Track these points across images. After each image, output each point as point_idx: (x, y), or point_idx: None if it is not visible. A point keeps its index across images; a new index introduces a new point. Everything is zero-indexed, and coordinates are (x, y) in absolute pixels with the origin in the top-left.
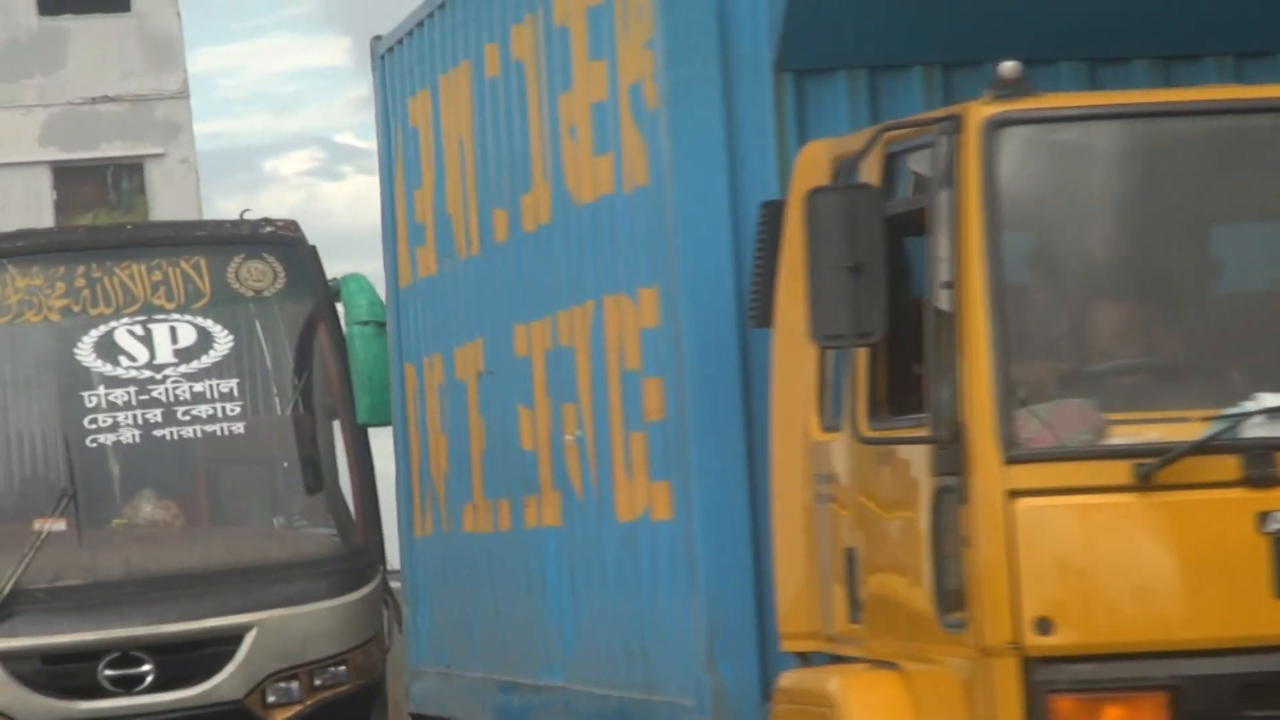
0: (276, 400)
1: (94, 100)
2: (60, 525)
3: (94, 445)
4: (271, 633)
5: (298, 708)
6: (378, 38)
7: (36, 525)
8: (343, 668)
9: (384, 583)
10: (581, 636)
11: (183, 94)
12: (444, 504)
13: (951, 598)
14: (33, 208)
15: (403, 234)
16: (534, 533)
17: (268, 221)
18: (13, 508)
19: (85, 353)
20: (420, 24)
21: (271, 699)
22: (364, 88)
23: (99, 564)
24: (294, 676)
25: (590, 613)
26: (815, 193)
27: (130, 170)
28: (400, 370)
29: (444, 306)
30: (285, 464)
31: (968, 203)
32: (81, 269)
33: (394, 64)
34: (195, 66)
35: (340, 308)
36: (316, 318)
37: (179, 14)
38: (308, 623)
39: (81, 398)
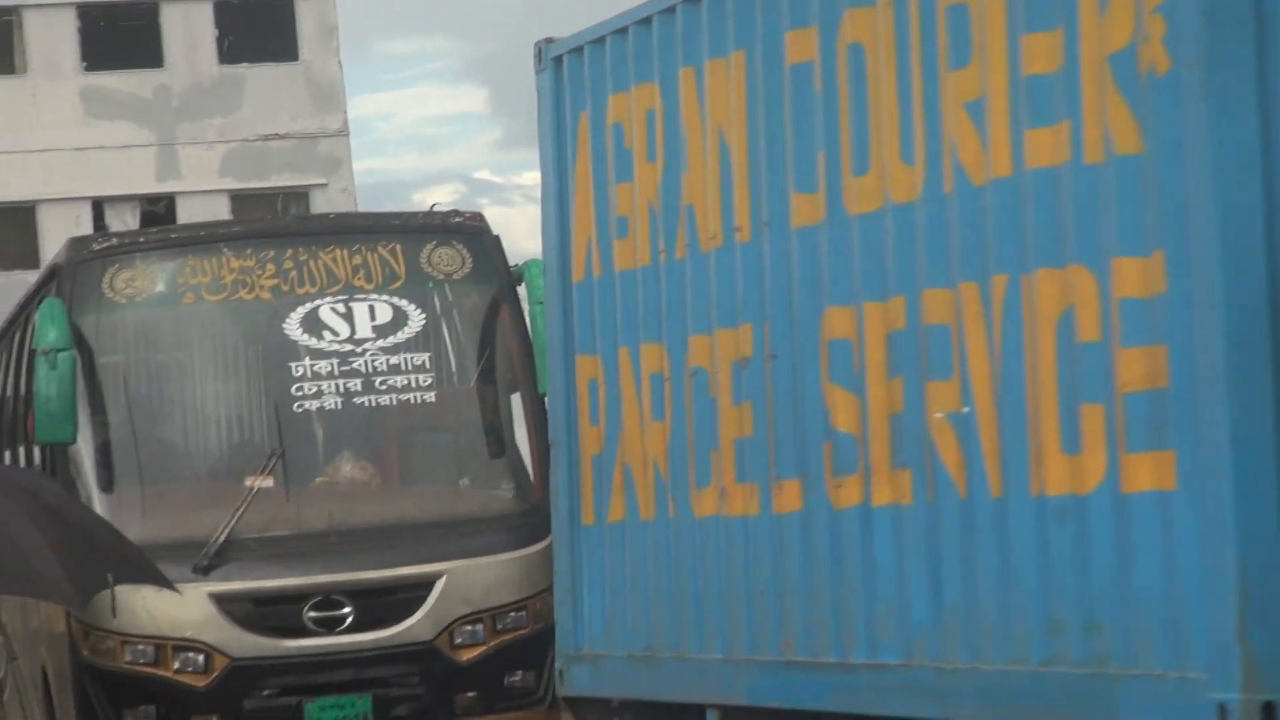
0: (463, 373)
1: (266, 137)
2: (269, 482)
3: (300, 411)
4: (459, 580)
5: (482, 649)
6: (549, 40)
7: (248, 482)
8: (523, 613)
9: None
10: (948, 613)
11: (343, 133)
12: (649, 491)
13: None
14: None
15: (581, 229)
16: (853, 512)
17: (456, 213)
18: (227, 466)
19: (292, 327)
20: (644, 21)
21: (458, 640)
22: (499, 131)
23: (304, 517)
24: (479, 620)
25: (966, 589)
26: None
27: (297, 198)
28: (568, 362)
29: (669, 296)
30: (470, 430)
31: None
32: (290, 252)
33: (582, 64)
34: (354, 111)
35: (522, 290)
36: (499, 299)
37: (340, 64)
38: (491, 572)
39: (289, 368)
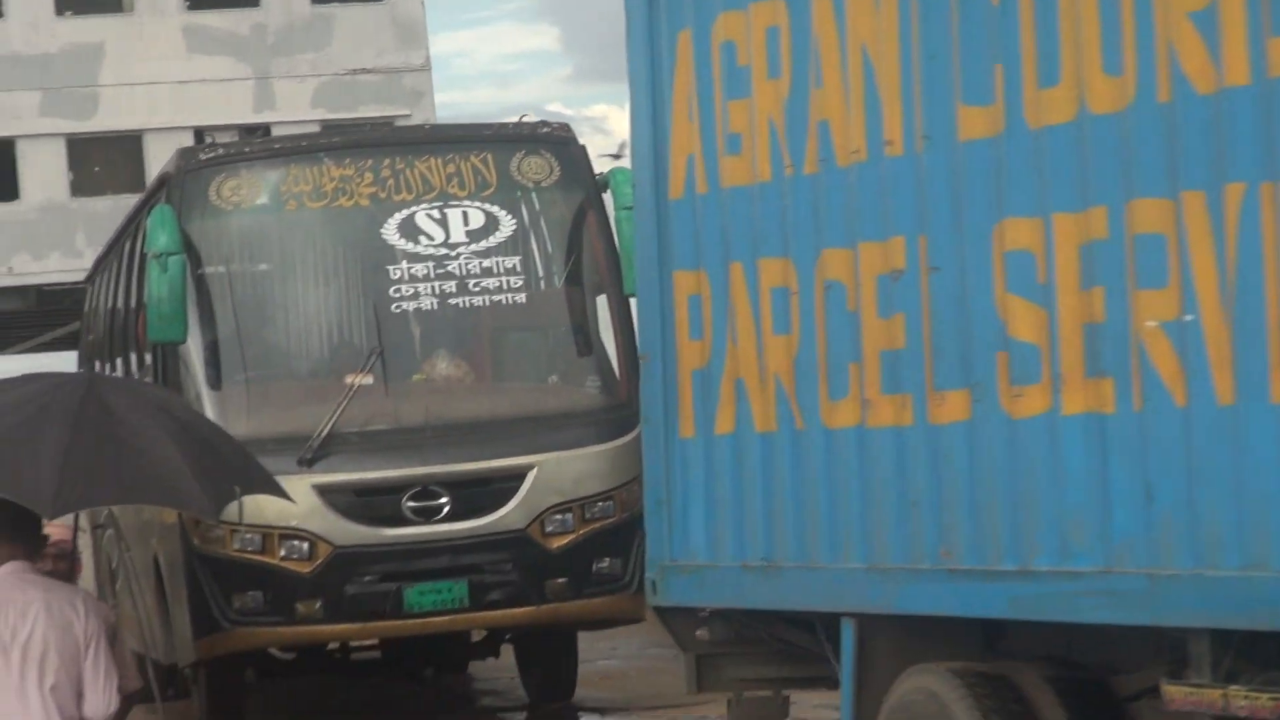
0: (551, 275)
1: (354, 72)
2: (369, 379)
3: (398, 312)
4: (549, 472)
5: (571, 536)
6: None
7: (349, 379)
8: (610, 503)
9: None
10: (1162, 520)
11: (425, 68)
12: (768, 404)
13: None
14: None
15: (680, 148)
16: (1036, 422)
17: (544, 123)
18: (328, 364)
19: (390, 233)
20: None
21: (549, 529)
22: (569, 67)
23: (402, 412)
24: (568, 510)
25: (1186, 495)
26: None
27: (383, 127)
28: (663, 278)
29: (796, 211)
30: (559, 329)
31: None
32: (387, 161)
33: None
34: (435, 48)
35: (607, 197)
36: (586, 205)
37: (423, 3)
38: (580, 464)
39: (387, 271)
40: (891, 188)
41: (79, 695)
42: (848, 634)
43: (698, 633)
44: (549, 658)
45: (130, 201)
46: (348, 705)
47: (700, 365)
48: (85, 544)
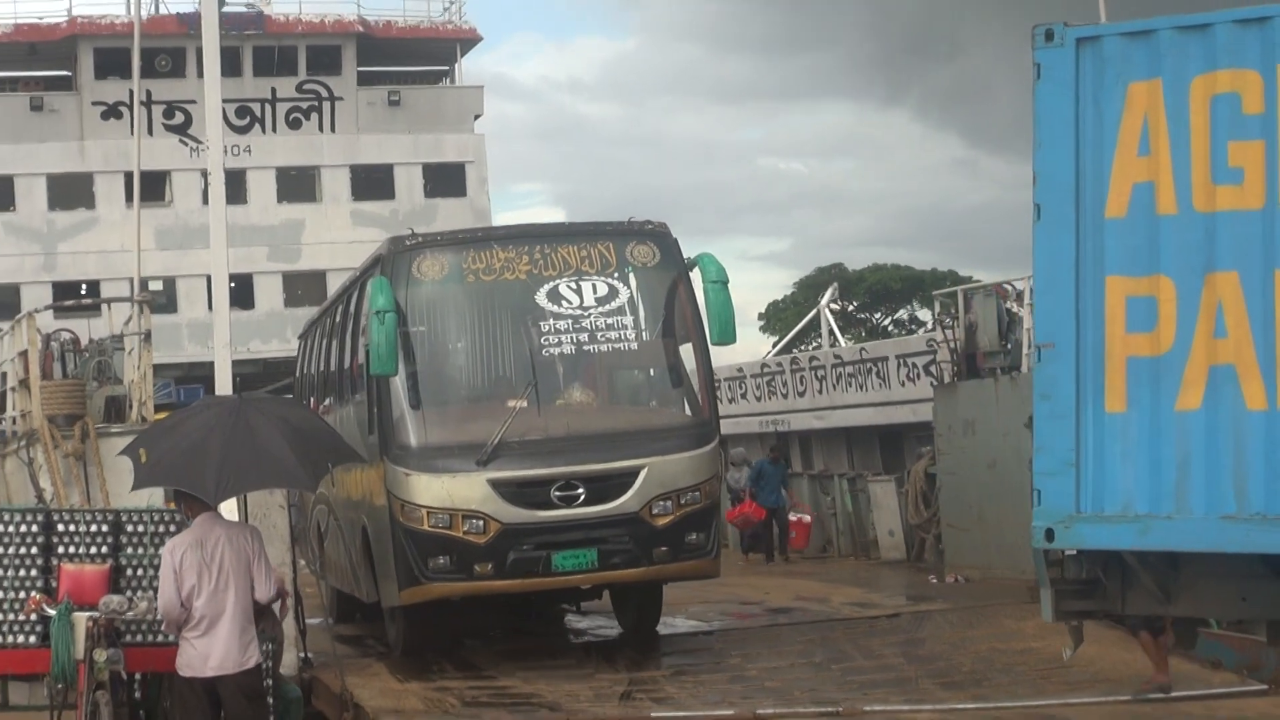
0: (654, 330)
1: None
2: (525, 403)
3: (546, 355)
4: (656, 470)
5: (671, 517)
6: (1058, 26)
7: (511, 403)
8: (698, 493)
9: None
10: None
11: None
12: (1244, 382)
13: None
14: None
15: (1124, 175)
16: None
17: (649, 222)
18: (496, 392)
19: (541, 298)
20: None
21: (655, 511)
22: None
23: (550, 426)
24: (669, 498)
25: None
26: None
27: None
28: (1081, 281)
29: None
30: (660, 368)
31: None
32: (539, 247)
33: (1137, 46)
34: (496, 223)
35: (695, 274)
36: (678, 280)
37: (489, 197)
38: (677, 465)
39: (539, 326)
40: None
41: (252, 588)
42: None
43: (1048, 571)
44: (642, 599)
45: (314, 310)
46: (488, 630)
47: (1146, 354)
48: (281, 517)
